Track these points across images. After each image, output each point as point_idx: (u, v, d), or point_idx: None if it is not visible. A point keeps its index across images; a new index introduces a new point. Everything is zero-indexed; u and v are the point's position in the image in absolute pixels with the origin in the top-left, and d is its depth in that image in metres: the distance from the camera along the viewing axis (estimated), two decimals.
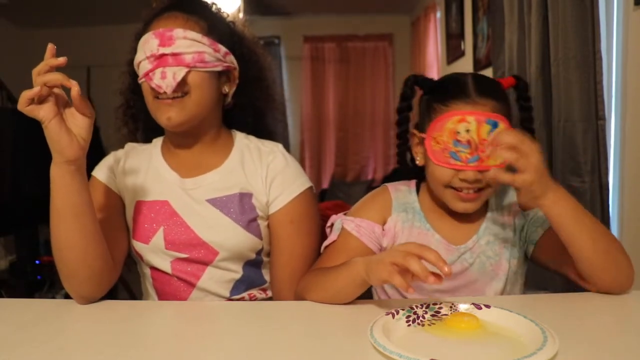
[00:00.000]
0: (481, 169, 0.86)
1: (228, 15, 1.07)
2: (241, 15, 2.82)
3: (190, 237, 0.96)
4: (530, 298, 0.90)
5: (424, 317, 0.72)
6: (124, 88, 1.08)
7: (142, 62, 0.93)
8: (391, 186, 1.01)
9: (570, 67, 1.56)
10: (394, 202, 0.98)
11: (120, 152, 1.05)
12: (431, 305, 0.75)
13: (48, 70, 0.76)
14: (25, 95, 0.76)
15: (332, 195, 4.81)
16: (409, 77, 0.98)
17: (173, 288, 0.98)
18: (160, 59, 0.91)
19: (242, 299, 1.00)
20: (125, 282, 2.36)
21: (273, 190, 0.99)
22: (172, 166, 1.02)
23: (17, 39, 4.34)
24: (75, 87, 0.77)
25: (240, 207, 0.97)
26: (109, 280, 0.90)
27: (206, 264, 0.97)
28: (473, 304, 0.74)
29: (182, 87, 0.92)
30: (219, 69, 0.96)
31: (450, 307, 0.75)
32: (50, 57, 0.77)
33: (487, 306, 0.73)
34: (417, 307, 0.74)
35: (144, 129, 1.11)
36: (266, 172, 1.00)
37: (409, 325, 0.71)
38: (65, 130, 0.79)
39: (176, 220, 0.97)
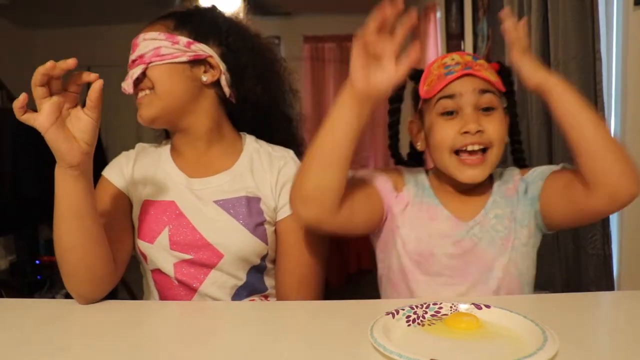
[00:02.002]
0: (475, 75, 0.89)
1: (223, 14, 1.07)
2: (241, 15, 2.83)
3: (195, 237, 0.95)
4: (530, 298, 0.90)
5: (424, 317, 0.72)
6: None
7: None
8: (401, 167, 1.04)
9: (571, 67, 1.56)
10: (406, 175, 0.99)
11: (131, 152, 1.05)
12: (431, 305, 0.75)
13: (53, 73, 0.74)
14: (16, 105, 0.74)
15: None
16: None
17: (174, 293, 0.98)
18: (130, 66, 0.96)
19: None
20: (125, 282, 2.36)
21: (283, 196, 0.98)
22: (180, 167, 1.02)
23: (17, 39, 4.34)
24: (98, 82, 0.76)
25: (247, 210, 0.97)
26: (111, 281, 0.89)
27: (210, 267, 0.96)
28: (473, 304, 0.74)
29: (146, 85, 0.95)
30: (183, 59, 0.96)
31: (450, 307, 0.75)
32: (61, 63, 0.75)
33: (487, 306, 0.73)
34: (417, 307, 0.74)
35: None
36: (277, 178, 1.00)
37: (409, 325, 0.71)
38: (65, 137, 0.77)
39: (182, 221, 0.96)
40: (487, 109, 0.90)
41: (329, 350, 0.66)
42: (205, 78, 0.99)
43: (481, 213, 0.95)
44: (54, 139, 0.76)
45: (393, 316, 0.70)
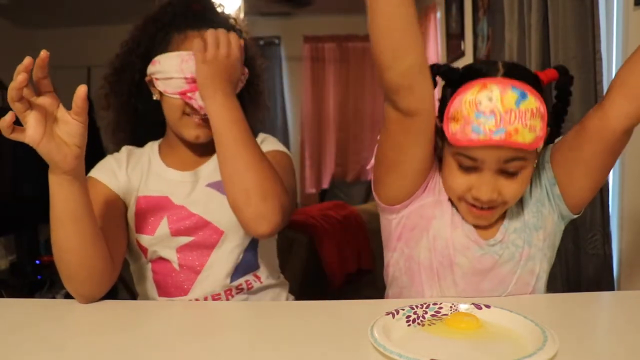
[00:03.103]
0: (507, 144, 0.77)
1: (236, 22, 1.09)
2: (241, 15, 2.83)
3: (194, 221, 0.98)
4: (530, 298, 0.90)
5: (424, 317, 0.72)
6: (126, 84, 1.05)
7: (176, 79, 0.95)
8: None
9: (571, 67, 1.56)
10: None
11: (120, 155, 1.07)
12: (431, 305, 0.75)
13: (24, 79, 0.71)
14: (2, 125, 0.71)
15: (332, 195, 4.81)
16: (431, 66, 0.85)
17: (175, 279, 0.99)
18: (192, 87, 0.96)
19: (240, 285, 1.01)
20: (125, 282, 2.37)
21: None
22: (170, 164, 1.05)
23: (17, 39, 4.34)
24: (82, 87, 0.74)
25: None
26: (110, 279, 0.90)
27: (211, 247, 0.99)
28: (473, 304, 0.74)
29: None
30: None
31: (450, 307, 0.75)
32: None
33: (487, 306, 0.73)
34: (417, 307, 0.74)
35: (142, 129, 1.11)
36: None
37: (409, 325, 0.71)
38: (57, 146, 0.76)
39: (179, 210, 0.99)
40: (512, 174, 0.82)
41: (329, 350, 0.66)
42: None
43: (501, 230, 0.90)
44: (46, 151, 0.76)
45: (393, 316, 0.70)
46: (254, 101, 1.11)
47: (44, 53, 0.71)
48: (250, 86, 1.07)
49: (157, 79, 0.98)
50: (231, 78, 0.94)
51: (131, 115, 1.08)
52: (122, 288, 2.45)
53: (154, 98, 1.02)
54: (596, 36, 1.50)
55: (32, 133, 0.74)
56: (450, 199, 0.90)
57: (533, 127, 0.77)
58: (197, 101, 0.95)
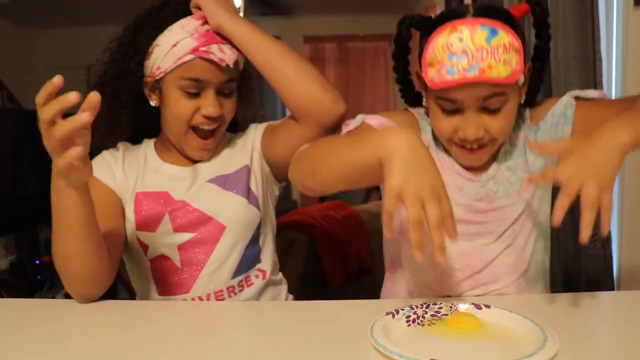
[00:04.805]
0: (482, 81, 0.77)
1: None
2: (241, 15, 2.82)
3: (196, 215, 0.98)
4: (530, 298, 0.90)
5: (424, 317, 0.72)
6: (109, 80, 1.00)
7: (182, 42, 0.93)
8: (412, 109, 0.99)
9: (571, 67, 1.56)
10: (418, 119, 0.96)
11: (116, 151, 1.05)
12: (431, 305, 0.75)
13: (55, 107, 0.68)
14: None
15: (332, 195, 4.80)
16: (404, 18, 0.92)
17: (177, 278, 0.99)
18: (210, 35, 0.95)
19: (241, 282, 1.01)
20: (125, 282, 2.36)
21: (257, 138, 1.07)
22: (168, 160, 1.05)
23: (17, 39, 4.34)
24: (96, 95, 0.68)
25: (239, 181, 1.02)
26: (109, 279, 0.90)
27: (213, 243, 0.98)
28: (473, 304, 0.75)
29: (219, 117, 0.99)
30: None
31: (450, 307, 0.75)
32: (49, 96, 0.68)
33: (487, 306, 0.73)
34: (417, 307, 0.74)
35: (130, 129, 1.07)
36: (253, 137, 1.08)
37: (409, 325, 0.71)
38: (87, 166, 0.75)
39: (180, 205, 0.99)
40: (494, 110, 0.83)
41: (329, 350, 0.66)
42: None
43: (493, 167, 0.91)
44: (81, 168, 0.73)
45: (393, 316, 0.70)
46: (247, 99, 1.11)
47: (58, 80, 0.68)
48: (243, 85, 1.07)
49: (159, 67, 0.94)
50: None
51: (126, 128, 1.04)
52: (122, 288, 2.45)
53: (152, 104, 1.00)
54: (596, 36, 1.50)
55: (86, 170, 0.74)
56: (432, 145, 0.93)
57: (507, 61, 0.77)
58: (215, 54, 0.93)
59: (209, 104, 0.96)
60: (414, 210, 0.64)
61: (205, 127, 0.98)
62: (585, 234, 0.66)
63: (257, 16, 4.61)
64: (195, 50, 0.93)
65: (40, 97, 0.68)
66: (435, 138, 0.95)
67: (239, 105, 1.06)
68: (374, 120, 0.91)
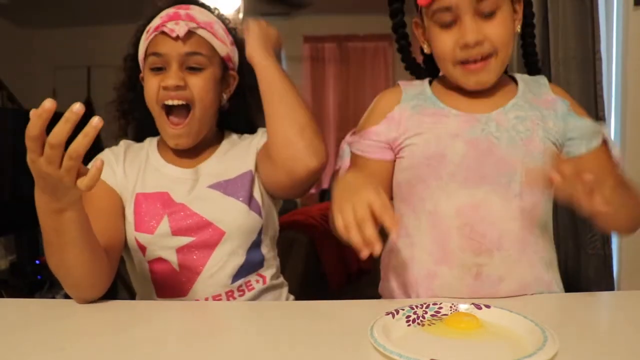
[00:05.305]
0: None
1: (229, 22, 1.09)
2: (241, 15, 2.82)
3: (195, 220, 0.97)
4: (530, 298, 0.90)
5: (424, 317, 0.72)
6: (119, 84, 1.11)
7: (154, 25, 0.98)
8: (403, 82, 1.01)
9: (571, 67, 1.56)
10: (404, 95, 0.98)
11: (118, 149, 1.06)
12: (431, 305, 0.75)
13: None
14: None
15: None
16: None
17: (175, 281, 0.98)
18: (174, 14, 0.98)
19: (241, 287, 1.00)
20: (125, 282, 2.36)
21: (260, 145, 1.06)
22: (170, 161, 1.05)
23: (17, 39, 4.33)
24: (99, 120, 0.67)
25: (240, 186, 1.01)
26: (109, 280, 0.90)
27: (212, 247, 0.98)
28: (473, 304, 0.75)
29: (185, 94, 0.97)
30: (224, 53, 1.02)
31: (450, 307, 0.75)
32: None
33: (487, 306, 0.73)
34: (417, 307, 0.74)
35: (137, 126, 1.13)
36: (257, 141, 1.06)
37: (409, 325, 0.71)
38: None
39: (179, 208, 0.98)
40: (489, 14, 0.86)
41: (329, 350, 0.66)
42: (225, 97, 1.08)
43: (498, 111, 0.90)
44: (77, 192, 0.73)
45: (393, 316, 0.70)
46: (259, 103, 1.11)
47: (50, 104, 0.64)
48: (255, 90, 1.06)
49: (141, 55, 1.00)
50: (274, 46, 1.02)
51: (138, 124, 1.10)
52: (122, 288, 2.45)
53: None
54: (596, 36, 1.50)
55: (89, 182, 0.70)
56: (426, 101, 0.94)
57: None
58: (167, 27, 0.95)
59: (168, 76, 0.97)
60: (345, 216, 0.70)
61: (169, 103, 0.98)
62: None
63: (257, 16, 4.60)
64: (157, 28, 0.98)
65: (34, 128, 0.64)
66: (424, 97, 0.95)
67: (252, 107, 1.07)
68: (357, 146, 0.98)
